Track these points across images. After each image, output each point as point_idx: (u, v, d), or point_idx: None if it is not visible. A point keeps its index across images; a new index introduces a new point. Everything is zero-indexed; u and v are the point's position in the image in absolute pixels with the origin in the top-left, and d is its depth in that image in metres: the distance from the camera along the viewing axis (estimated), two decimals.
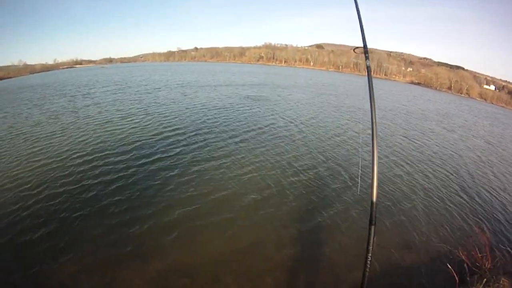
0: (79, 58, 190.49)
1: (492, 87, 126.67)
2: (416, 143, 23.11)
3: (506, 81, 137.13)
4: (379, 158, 14.73)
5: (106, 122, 23.26)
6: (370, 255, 4.33)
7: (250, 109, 30.13)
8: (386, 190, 14.17)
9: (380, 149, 19.47)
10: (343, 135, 22.69)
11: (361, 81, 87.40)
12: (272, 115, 28.02)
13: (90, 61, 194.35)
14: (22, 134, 20.46)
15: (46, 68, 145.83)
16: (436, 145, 23.39)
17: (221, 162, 16.09)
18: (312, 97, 43.46)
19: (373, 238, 4.30)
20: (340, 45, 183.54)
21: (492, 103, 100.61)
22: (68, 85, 52.62)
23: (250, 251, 9.58)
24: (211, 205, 12.14)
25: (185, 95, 37.25)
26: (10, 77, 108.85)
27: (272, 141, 19.94)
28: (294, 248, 9.80)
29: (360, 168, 14.24)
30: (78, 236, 10.29)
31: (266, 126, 23.19)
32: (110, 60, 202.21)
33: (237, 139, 19.82)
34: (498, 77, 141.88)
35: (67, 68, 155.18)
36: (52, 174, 14.69)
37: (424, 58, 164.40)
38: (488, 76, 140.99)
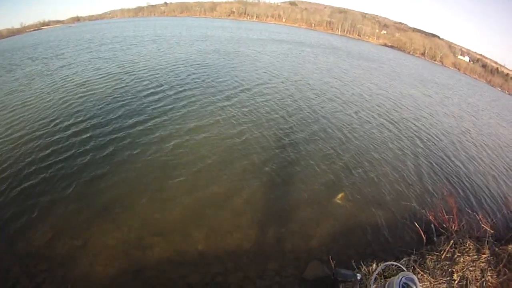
0: (46, 19, 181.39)
1: (467, 58, 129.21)
2: (391, 104, 23.46)
3: (481, 54, 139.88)
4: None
5: (84, 82, 22.25)
6: None
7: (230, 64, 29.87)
8: (363, 146, 14.76)
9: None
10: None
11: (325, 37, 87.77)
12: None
13: (57, 22, 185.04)
14: None
15: (12, 33, 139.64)
16: (413, 108, 23.95)
17: (191, 118, 15.82)
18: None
19: None
20: (314, 3, 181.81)
21: (465, 74, 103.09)
22: (38, 47, 49.78)
23: (220, 206, 9.68)
24: (179, 161, 12.07)
25: (161, 51, 36.01)
26: None
27: (240, 94, 20.03)
28: (264, 203, 9.92)
29: None
30: (50, 201, 10.15)
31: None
32: (77, 19, 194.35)
33: (212, 95, 19.62)
34: (474, 50, 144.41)
35: (34, 30, 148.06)
36: (26, 139, 14.29)
37: (400, 22, 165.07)
38: (464, 48, 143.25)
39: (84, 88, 20.38)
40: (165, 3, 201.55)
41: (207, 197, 10.07)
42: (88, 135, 14.10)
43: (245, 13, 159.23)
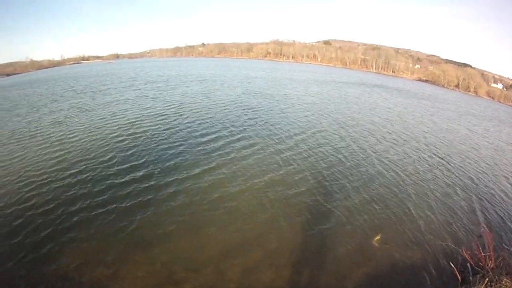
0: (86, 54, 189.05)
1: (500, 86, 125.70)
2: (433, 140, 23.17)
3: None
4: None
5: (134, 121, 22.37)
6: None
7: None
8: (401, 185, 14.52)
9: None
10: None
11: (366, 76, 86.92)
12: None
13: (97, 57, 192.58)
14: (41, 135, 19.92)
15: (52, 64, 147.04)
16: (454, 143, 23.44)
17: (228, 158, 16.02)
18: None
19: None
20: (348, 41, 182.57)
21: (500, 102, 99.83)
22: (80, 80, 52.11)
23: (254, 246, 9.63)
24: (217, 199, 12.19)
25: (208, 92, 36.15)
26: (17, 73, 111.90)
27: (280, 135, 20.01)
28: (299, 242, 9.84)
29: None
30: (85, 228, 10.48)
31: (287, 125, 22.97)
32: (117, 56, 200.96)
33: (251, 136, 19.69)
34: (506, 76, 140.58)
35: (74, 63, 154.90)
36: (64, 170, 14.76)
37: (432, 55, 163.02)
38: (496, 75, 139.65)
39: (134, 126, 20.58)
40: (203, 43, 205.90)
41: (241, 235, 10.10)
42: (133, 170, 14.55)
43: (281, 54, 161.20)
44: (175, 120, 21.98)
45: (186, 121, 21.73)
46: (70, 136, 18.92)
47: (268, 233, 10.19)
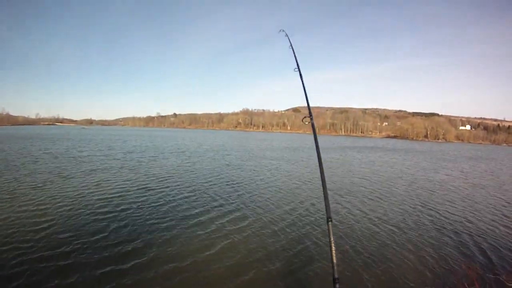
0: (60, 116, 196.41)
1: (468, 127, 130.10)
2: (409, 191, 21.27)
3: (481, 118, 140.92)
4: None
5: (115, 191, 20.81)
6: None
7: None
8: (381, 238, 12.14)
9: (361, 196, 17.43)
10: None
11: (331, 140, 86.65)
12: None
13: (71, 120, 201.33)
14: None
15: (28, 122, 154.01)
16: (431, 189, 21.47)
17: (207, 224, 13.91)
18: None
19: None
20: (316, 107, 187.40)
21: (470, 142, 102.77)
22: (57, 142, 51.70)
23: None
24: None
25: (187, 164, 34.73)
26: None
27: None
28: None
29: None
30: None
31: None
32: (90, 122, 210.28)
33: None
34: (473, 116, 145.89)
35: (48, 124, 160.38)
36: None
37: (399, 110, 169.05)
38: (463, 117, 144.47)
39: (119, 198, 18.95)
40: (175, 114, 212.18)
41: None
42: (117, 245, 12.42)
43: (251, 124, 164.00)
44: (160, 193, 20.24)
45: (172, 194, 20.14)
46: (53, 202, 17.01)
47: None
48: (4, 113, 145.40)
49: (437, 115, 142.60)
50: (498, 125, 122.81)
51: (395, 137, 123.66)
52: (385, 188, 22.51)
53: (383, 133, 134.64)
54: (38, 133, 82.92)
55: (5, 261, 10.90)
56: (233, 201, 18.72)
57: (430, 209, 17.10)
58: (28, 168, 26.57)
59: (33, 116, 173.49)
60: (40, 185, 20.55)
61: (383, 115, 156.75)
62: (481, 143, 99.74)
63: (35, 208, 15.47)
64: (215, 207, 17.14)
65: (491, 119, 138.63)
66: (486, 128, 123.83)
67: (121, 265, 10.76)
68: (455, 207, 17.31)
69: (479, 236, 12.35)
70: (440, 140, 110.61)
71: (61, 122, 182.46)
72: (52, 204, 16.45)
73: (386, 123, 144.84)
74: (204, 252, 11.34)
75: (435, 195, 20.27)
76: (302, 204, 19.21)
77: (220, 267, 10.92)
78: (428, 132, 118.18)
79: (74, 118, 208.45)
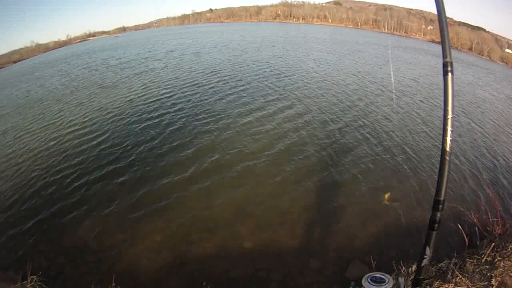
0: (92, 30, 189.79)
1: None
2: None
3: None
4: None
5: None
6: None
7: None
8: (411, 143, 14.55)
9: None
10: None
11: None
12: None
13: (103, 32, 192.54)
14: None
15: (59, 45, 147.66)
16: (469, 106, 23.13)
17: (240, 117, 16.77)
18: None
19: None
20: (359, 1, 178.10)
21: None
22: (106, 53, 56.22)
23: (267, 204, 9.85)
24: (228, 160, 12.54)
25: (233, 58, 36.69)
26: (24, 59, 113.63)
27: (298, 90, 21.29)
28: (310, 202, 10.05)
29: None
30: (100, 197, 10.78)
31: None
32: (124, 29, 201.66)
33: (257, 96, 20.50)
34: None
35: (80, 42, 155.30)
36: (80, 137, 15.92)
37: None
38: (511, 40, 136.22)
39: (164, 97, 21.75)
40: (210, 9, 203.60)
41: (254, 195, 10.29)
42: (149, 133, 15.43)
43: (290, 16, 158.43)
44: (210, 88, 22.96)
45: (223, 88, 22.69)
46: (102, 113, 19.70)
47: (279, 195, 10.33)
48: (34, 44, 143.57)
49: (484, 30, 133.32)
50: None
51: (439, 42, 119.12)
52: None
53: (427, 37, 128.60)
54: (71, 52, 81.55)
55: (69, 169, 13.11)
56: (286, 94, 20.83)
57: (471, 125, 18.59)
58: (70, 86, 29.66)
59: (64, 38, 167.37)
60: (85, 100, 23.06)
61: (428, 19, 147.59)
62: None
63: (83, 123, 18.01)
64: (269, 100, 19.34)
65: None
66: None
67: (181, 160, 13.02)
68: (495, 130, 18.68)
69: (507, 169, 14.03)
70: (484, 57, 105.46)
71: (93, 36, 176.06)
72: (102, 115, 18.81)
73: (431, 27, 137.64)
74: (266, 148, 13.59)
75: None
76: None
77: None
78: (473, 46, 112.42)
79: (106, 29, 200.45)
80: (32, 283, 7.09)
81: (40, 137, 17.12)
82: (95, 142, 14.87)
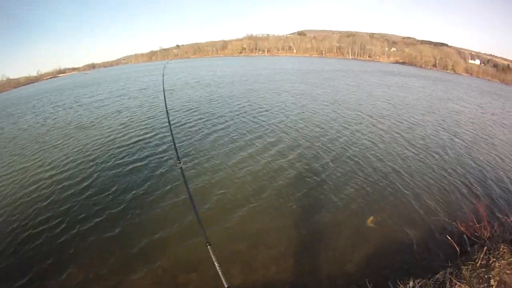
0: (62, 67, 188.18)
1: (477, 62, 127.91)
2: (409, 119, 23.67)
3: (491, 55, 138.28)
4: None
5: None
6: None
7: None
8: (386, 166, 14.75)
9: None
10: None
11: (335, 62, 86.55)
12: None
13: (73, 69, 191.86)
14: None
15: (30, 81, 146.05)
16: (422, 121, 23.77)
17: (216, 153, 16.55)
18: None
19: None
20: (322, 31, 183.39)
21: (478, 77, 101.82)
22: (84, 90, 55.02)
23: (254, 241, 9.74)
24: (208, 198, 12.30)
25: (200, 94, 37.36)
26: None
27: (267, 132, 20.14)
28: (296, 233, 10.00)
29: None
30: (83, 243, 10.46)
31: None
32: (93, 66, 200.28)
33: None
34: (483, 52, 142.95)
35: (51, 78, 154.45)
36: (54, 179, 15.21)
37: (407, 37, 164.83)
38: (473, 51, 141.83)
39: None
40: (177, 45, 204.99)
41: (239, 231, 10.20)
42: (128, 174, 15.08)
43: (256, 49, 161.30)
44: (191, 126, 22.85)
45: (202, 125, 22.69)
46: (81, 155, 19.16)
47: (266, 229, 10.28)
48: (5, 78, 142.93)
49: (446, 45, 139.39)
50: (508, 65, 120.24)
51: (403, 63, 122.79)
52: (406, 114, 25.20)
53: (391, 58, 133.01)
54: (43, 88, 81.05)
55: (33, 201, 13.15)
56: (269, 128, 20.88)
57: (440, 139, 19.10)
58: (46, 125, 28.59)
59: (34, 74, 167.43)
60: (62, 141, 22.05)
61: (391, 41, 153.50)
62: (490, 80, 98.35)
63: (65, 165, 17.08)
64: (255, 137, 19.12)
65: (501, 58, 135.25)
66: (495, 65, 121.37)
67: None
68: (469, 140, 19.37)
69: (486, 174, 14.63)
70: (448, 71, 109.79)
71: (63, 73, 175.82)
72: (83, 157, 18.12)
73: (394, 49, 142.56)
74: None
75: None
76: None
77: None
78: (437, 61, 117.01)
79: (76, 66, 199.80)
80: None
81: (19, 180, 16.22)
82: (80, 187, 14.21)
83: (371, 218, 10.51)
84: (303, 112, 25.15)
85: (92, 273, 9.08)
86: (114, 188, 13.85)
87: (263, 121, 22.69)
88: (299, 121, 22.46)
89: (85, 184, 14.63)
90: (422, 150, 17.20)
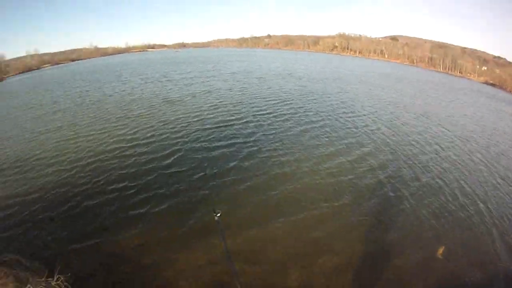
0: (151, 42, 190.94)
1: None
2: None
3: None
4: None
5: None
6: None
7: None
8: (474, 200, 13.40)
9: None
10: None
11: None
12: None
13: (163, 45, 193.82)
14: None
15: (117, 51, 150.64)
16: None
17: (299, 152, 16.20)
18: None
19: None
20: (414, 38, 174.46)
21: None
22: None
23: (318, 244, 9.62)
24: (290, 192, 12.36)
25: (291, 85, 37.05)
26: (82, 59, 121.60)
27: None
28: (362, 247, 9.68)
29: None
30: (149, 208, 11.00)
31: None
32: (183, 45, 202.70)
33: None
34: None
35: (139, 51, 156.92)
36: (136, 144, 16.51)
37: (498, 57, 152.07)
38: None
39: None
40: (269, 35, 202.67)
41: (308, 234, 10.02)
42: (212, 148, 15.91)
43: (347, 48, 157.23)
44: (279, 116, 22.73)
45: (295, 119, 22.33)
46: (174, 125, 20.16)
47: (333, 236, 10.09)
48: (93, 47, 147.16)
49: None
50: None
51: (493, 84, 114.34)
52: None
53: (482, 78, 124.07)
54: (130, 60, 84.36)
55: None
56: (359, 135, 19.96)
57: None
58: (132, 94, 30.69)
59: (123, 46, 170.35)
60: (148, 112, 23.19)
61: (482, 58, 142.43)
62: None
63: (149, 137, 17.89)
64: (346, 142, 18.41)
65: None
66: None
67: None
68: None
69: None
70: None
71: (152, 48, 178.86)
72: (169, 130, 18.74)
73: (485, 68, 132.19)
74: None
75: None
76: None
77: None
78: None
79: (166, 43, 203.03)
80: (58, 282, 7.02)
81: (99, 139, 17.50)
82: (159, 158, 14.94)
83: (442, 248, 9.91)
84: (391, 121, 24.55)
85: (151, 239, 9.48)
86: (193, 165, 14.33)
87: (352, 123, 22.55)
88: (388, 130, 21.99)
89: (164, 155, 15.32)
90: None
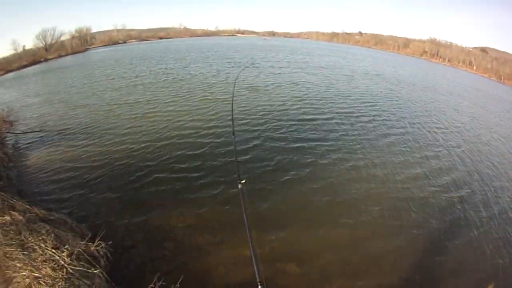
0: (241, 28, 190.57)
1: None
2: None
3: None
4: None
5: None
6: None
7: None
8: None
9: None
10: None
11: None
12: None
13: (252, 32, 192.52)
14: None
15: (206, 34, 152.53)
16: None
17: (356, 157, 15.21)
18: None
19: None
20: (504, 52, 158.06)
21: None
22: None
23: (367, 261, 8.90)
24: (360, 197, 11.82)
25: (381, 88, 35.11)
26: (170, 38, 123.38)
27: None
28: (414, 274, 8.81)
29: None
30: (204, 196, 10.73)
31: None
32: (273, 33, 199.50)
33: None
34: None
35: (228, 35, 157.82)
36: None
37: None
38: None
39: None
40: (360, 32, 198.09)
41: (361, 249, 9.25)
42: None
43: (437, 55, 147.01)
44: (364, 118, 22.03)
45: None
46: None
47: (387, 254, 9.27)
48: (182, 27, 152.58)
49: None
50: None
51: None
52: None
53: None
54: (219, 43, 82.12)
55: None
56: (445, 152, 18.06)
57: None
58: (217, 77, 30.40)
59: (212, 29, 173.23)
60: (227, 97, 22.12)
61: None
62: None
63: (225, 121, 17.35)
64: (428, 155, 16.98)
65: None
66: None
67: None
68: None
69: None
70: None
71: (242, 33, 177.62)
72: (249, 118, 18.35)
73: None
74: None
75: None
76: None
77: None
78: None
79: (256, 30, 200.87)
80: (97, 247, 7.03)
81: (179, 118, 17.53)
82: (232, 146, 13.52)
83: (492, 285, 8.87)
84: (475, 140, 22.10)
85: (200, 222, 9.47)
86: (267, 156, 13.95)
87: (434, 135, 20.92)
88: (468, 148, 19.89)
89: (238, 141, 14.70)
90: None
